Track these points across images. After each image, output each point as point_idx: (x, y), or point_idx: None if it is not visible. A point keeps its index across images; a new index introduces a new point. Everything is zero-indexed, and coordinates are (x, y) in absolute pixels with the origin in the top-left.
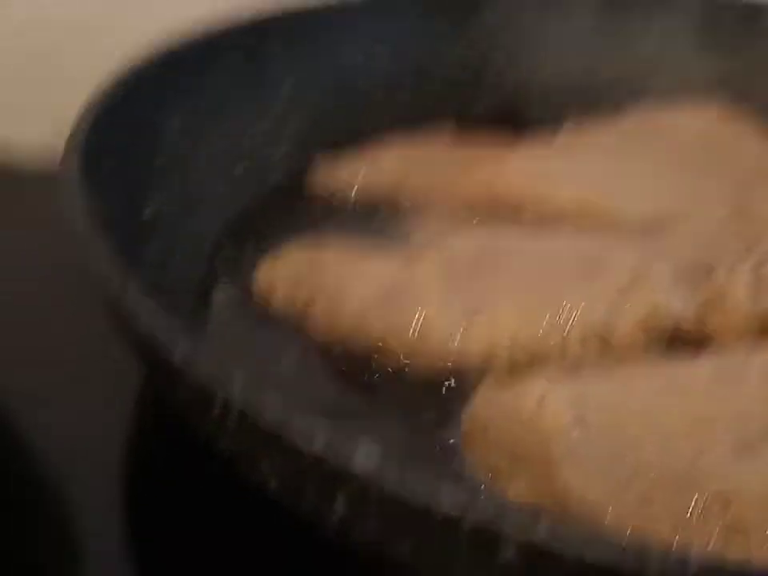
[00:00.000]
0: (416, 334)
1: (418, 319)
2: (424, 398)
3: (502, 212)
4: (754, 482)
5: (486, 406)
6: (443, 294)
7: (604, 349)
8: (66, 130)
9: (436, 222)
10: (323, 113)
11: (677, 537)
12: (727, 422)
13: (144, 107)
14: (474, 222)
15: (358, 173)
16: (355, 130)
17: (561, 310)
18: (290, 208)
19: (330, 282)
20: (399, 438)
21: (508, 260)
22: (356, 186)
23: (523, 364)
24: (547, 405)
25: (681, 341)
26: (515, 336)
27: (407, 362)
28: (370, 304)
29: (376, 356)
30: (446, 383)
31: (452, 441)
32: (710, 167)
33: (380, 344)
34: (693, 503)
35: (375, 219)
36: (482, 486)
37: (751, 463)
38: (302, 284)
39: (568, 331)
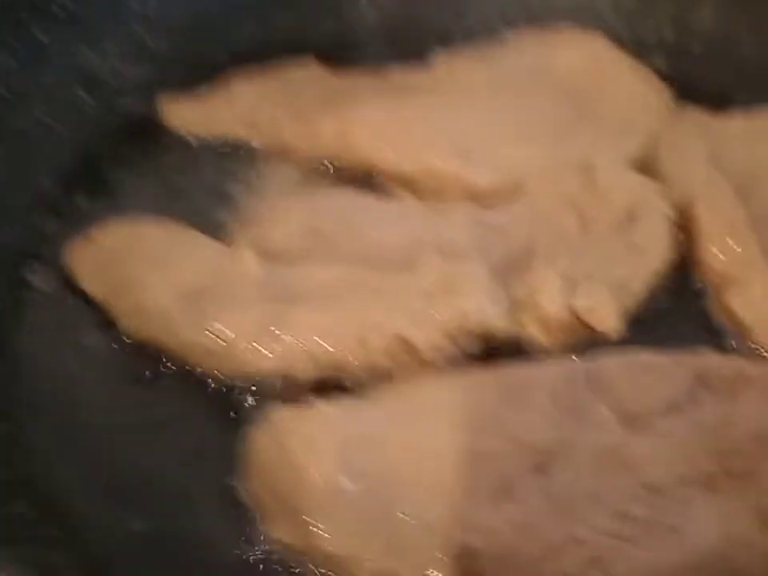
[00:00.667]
0: (215, 342)
1: (217, 328)
2: (216, 407)
3: (350, 170)
4: (500, 536)
5: (264, 439)
6: (248, 300)
7: (412, 358)
8: None
9: (285, 176)
10: (174, 48)
11: None
12: (498, 457)
13: None
14: (323, 182)
15: (209, 111)
16: (206, 66)
17: (363, 321)
18: (138, 149)
19: (136, 273)
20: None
21: (325, 252)
22: (206, 125)
23: (328, 376)
24: (316, 450)
25: (494, 346)
26: (314, 349)
27: (204, 369)
28: (174, 303)
29: (171, 359)
30: (242, 396)
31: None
32: (583, 112)
33: (178, 347)
34: (441, 553)
35: (227, 160)
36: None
37: (505, 511)
38: (108, 273)
39: (370, 343)
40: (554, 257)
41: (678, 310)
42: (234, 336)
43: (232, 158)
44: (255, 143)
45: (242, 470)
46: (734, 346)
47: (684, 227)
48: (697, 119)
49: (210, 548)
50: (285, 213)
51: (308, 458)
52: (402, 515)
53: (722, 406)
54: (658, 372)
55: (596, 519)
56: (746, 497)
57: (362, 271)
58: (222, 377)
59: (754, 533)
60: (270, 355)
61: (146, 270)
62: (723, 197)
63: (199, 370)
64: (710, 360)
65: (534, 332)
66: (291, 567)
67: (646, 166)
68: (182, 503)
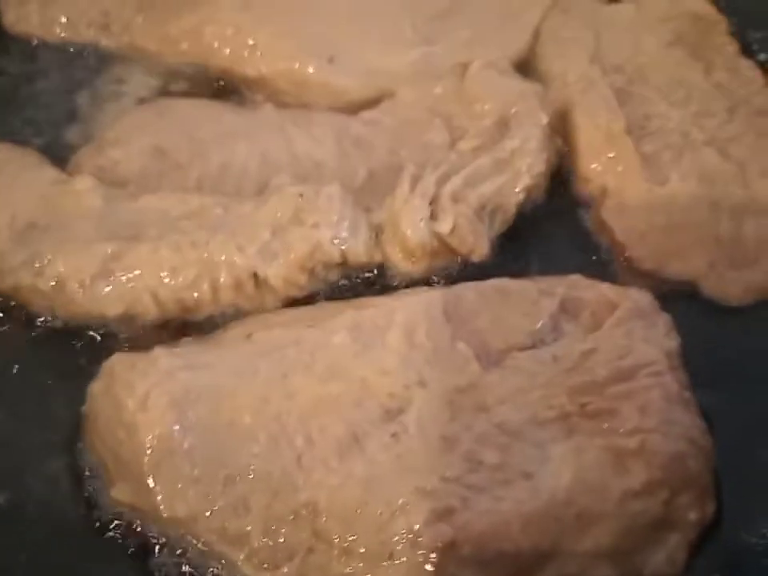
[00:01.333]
0: (52, 283)
1: (51, 268)
2: (61, 355)
3: (207, 76)
4: (344, 491)
5: (101, 395)
6: (86, 236)
7: (264, 295)
8: None
9: (137, 85)
10: None
11: (269, 541)
12: (347, 403)
13: None
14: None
15: (55, 12)
16: None
17: (209, 257)
18: None
19: None
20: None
21: (170, 177)
22: (52, 27)
23: (174, 314)
24: (149, 407)
25: (354, 275)
26: (158, 289)
27: (42, 313)
28: (4, 239)
29: (6, 302)
30: (88, 343)
31: None
32: (461, 5)
33: (10, 289)
34: (286, 510)
35: (74, 67)
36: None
37: (350, 464)
38: None
39: (218, 280)
40: (416, 175)
41: (552, 227)
42: (68, 276)
43: (80, 65)
44: (105, 47)
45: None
46: (609, 267)
47: (561, 132)
48: (584, 7)
49: (56, 513)
50: (129, 130)
51: (139, 413)
52: (241, 469)
53: (583, 336)
54: (521, 302)
55: (446, 467)
56: (601, 437)
57: (209, 199)
58: (63, 322)
59: (608, 476)
60: (109, 297)
61: None
62: (601, 101)
63: (39, 316)
64: (576, 286)
65: (395, 259)
66: (136, 530)
67: (525, 64)
68: (27, 464)
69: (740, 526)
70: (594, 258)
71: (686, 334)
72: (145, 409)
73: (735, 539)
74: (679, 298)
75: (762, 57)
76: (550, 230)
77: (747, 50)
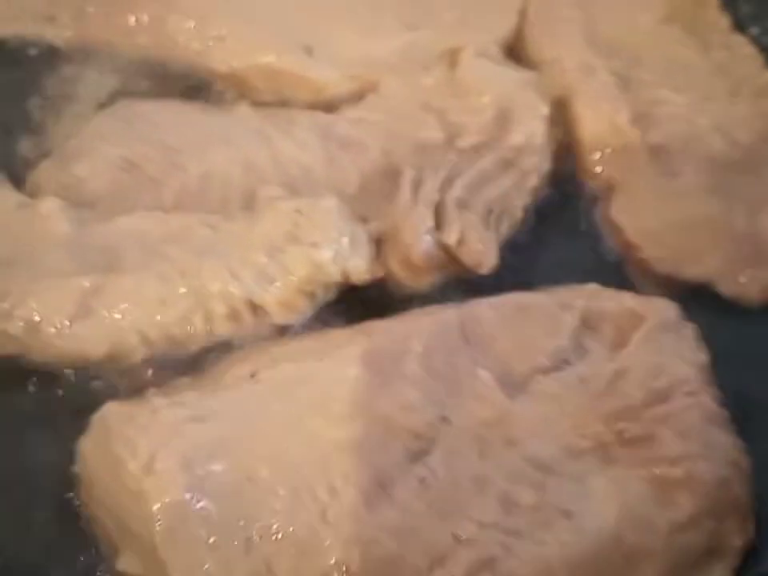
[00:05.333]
0: (23, 325)
1: (21, 309)
2: (48, 405)
3: (174, 73)
4: (377, 546)
5: (96, 453)
6: (57, 268)
7: (261, 323)
8: None
9: (95, 85)
10: None
11: None
12: (369, 446)
13: None
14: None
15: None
16: None
17: (198, 285)
18: None
19: None
20: None
21: (145, 194)
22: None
23: (163, 350)
24: (156, 470)
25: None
26: (146, 320)
27: (18, 357)
28: None
29: None
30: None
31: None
32: None
33: None
34: (314, 573)
35: (24, 67)
36: None
37: (381, 514)
38: None
39: (210, 311)
40: (417, 180)
41: (558, 228)
42: (42, 317)
43: (26, 65)
44: (53, 43)
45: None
46: (622, 269)
47: (562, 123)
48: None
49: None
50: (92, 140)
51: (146, 478)
52: (262, 530)
53: (610, 354)
54: (540, 318)
55: (482, 511)
56: (642, 467)
57: (193, 218)
58: (44, 366)
59: (654, 510)
60: (90, 337)
61: None
62: (602, 89)
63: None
64: (597, 297)
65: (399, 274)
66: None
67: (515, 51)
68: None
69: None
70: (604, 260)
71: (709, 343)
72: (152, 473)
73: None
74: (696, 301)
75: (754, 31)
76: (558, 233)
77: (738, 24)
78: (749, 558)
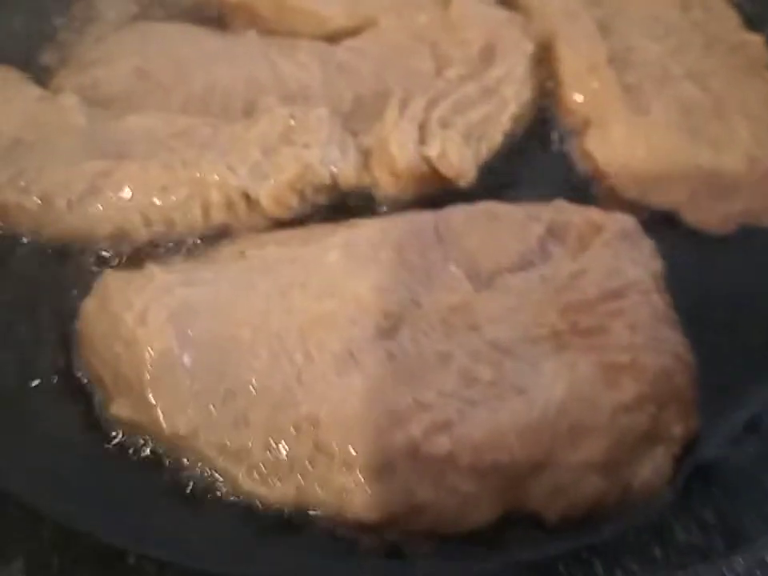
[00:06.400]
0: (38, 201)
1: (37, 186)
2: (53, 274)
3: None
4: (344, 404)
5: (96, 311)
6: (71, 154)
7: (254, 214)
8: None
9: (117, 8)
10: None
11: (269, 455)
12: (343, 321)
13: None
14: (159, 15)
15: None
16: None
17: (197, 176)
18: None
19: None
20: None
21: (154, 97)
22: None
23: (165, 236)
24: (148, 322)
25: (343, 198)
26: (147, 208)
27: (31, 233)
28: None
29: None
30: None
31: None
32: None
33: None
34: (286, 423)
35: None
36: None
37: (349, 378)
38: None
39: (207, 199)
40: (405, 100)
41: (537, 156)
42: (55, 194)
43: None
44: None
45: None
46: (592, 195)
47: (545, 64)
48: None
49: (56, 437)
50: (111, 51)
51: (139, 328)
52: (242, 384)
53: (571, 258)
54: (509, 225)
55: (442, 383)
56: (592, 353)
57: (197, 119)
58: (52, 241)
59: (600, 390)
60: (98, 215)
61: None
62: (584, 32)
63: (26, 236)
64: (563, 210)
65: (384, 182)
66: (141, 450)
67: None
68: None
69: (719, 441)
70: (577, 186)
71: (668, 262)
72: (144, 323)
73: (715, 454)
74: (660, 227)
75: None
76: (534, 159)
77: None
78: (693, 448)
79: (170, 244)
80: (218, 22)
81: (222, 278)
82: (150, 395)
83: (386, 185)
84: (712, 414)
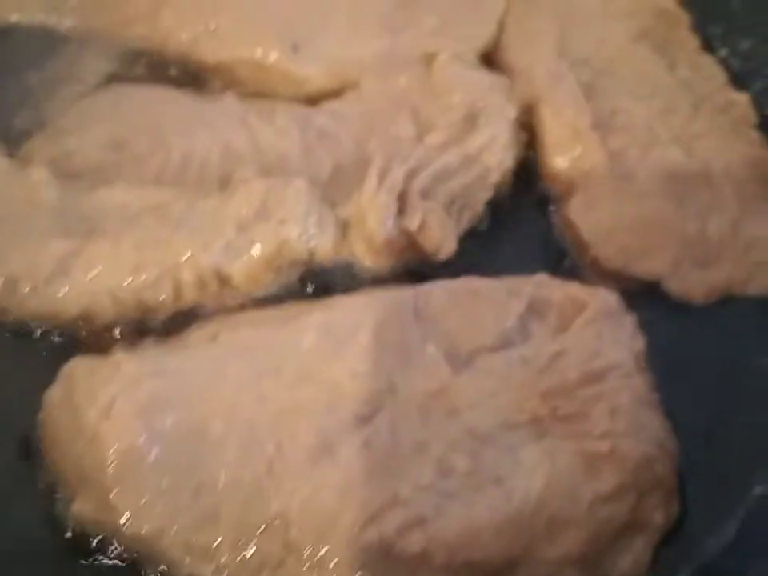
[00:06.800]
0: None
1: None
2: (18, 358)
3: (165, 62)
4: (316, 499)
5: (59, 403)
6: (40, 231)
7: (228, 293)
8: None
9: (94, 69)
10: None
11: (238, 555)
12: (318, 409)
13: None
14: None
15: None
16: None
17: (170, 255)
18: None
19: None
20: None
21: (128, 168)
22: (7, 6)
23: (134, 314)
24: (112, 417)
25: (320, 273)
26: (116, 289)
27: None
28: None
29: None
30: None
31: None
32: None
33: None
34: (256, 520)
35: (29, 49)
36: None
37: (323, 471)
38: None
39: (179, 279)
40: (385, 170)
41: (519, 225)
42: (22, 274)
43: (30, 48)
44: (57, 29)
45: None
46: (575, 266)
47: (528, 128)
48: None
49: (15, 531)
50: (84, 118)
51: (102, 424)
52: (211, 479)
53: (552, 337)
54: (489, 302)
55: (418, 474)
56: (572, 441)
57: (170, 193)
58: (15, 324)
59: (579, 480)
60: (66, 297)
61: None
62: (568, 96)
63: None
64: (544, 286)
65: (362, 256)
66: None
67: (491, 55)
68: None
69: (701, 525)
70: (560, 256)
71: (651, 334)
72: (108, 418)
73: (697, 539)
74: (644, 298)
75: (722, 53)
76: (516, 228)
77: (708, 46)
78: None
79: (140, 325)
80: (196, 82)
81: (192, 366)
82: (114, 495)
83: (364, 258)
84: (693, 497)
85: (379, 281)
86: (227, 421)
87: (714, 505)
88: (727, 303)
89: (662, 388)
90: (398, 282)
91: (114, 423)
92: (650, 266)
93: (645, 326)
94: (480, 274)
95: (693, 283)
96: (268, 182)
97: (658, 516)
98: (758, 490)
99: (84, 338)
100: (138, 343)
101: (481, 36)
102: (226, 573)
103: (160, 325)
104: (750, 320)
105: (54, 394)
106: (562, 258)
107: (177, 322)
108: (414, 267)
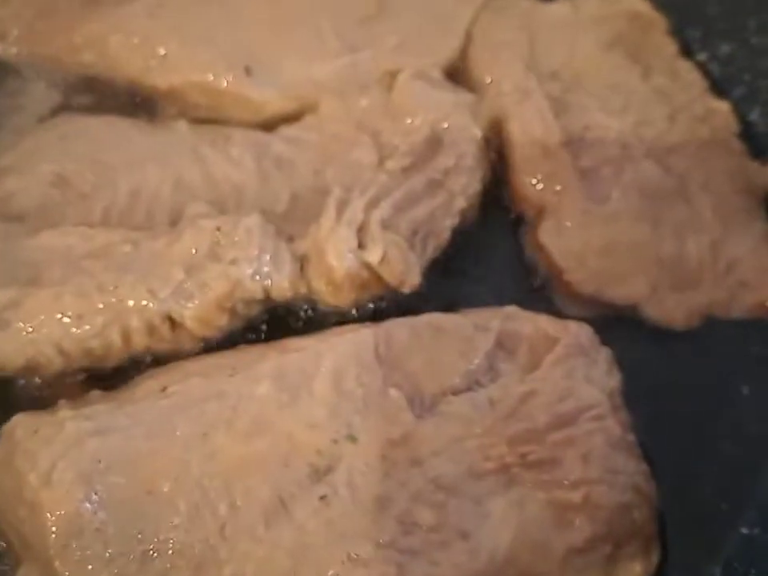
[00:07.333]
0: None
1: None
2: None
3: (115, 88)
4: (271, 563)
5: (1, 464)
6: None
7: (179, 333)
8: None
9: (40, 98)
10: None
11: None
12: (272, 463)
13: None
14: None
15: None
16: None
17: (117, 301)
18: None
19: None
20: None
21: (73, 209)
22: None
23: (81, 363)
24: (53, 483)
25: (277, 311)
26: (62, 334)
27: None
28: None
29: None
30: None
31: None
32: (388, 6)
33: None
34: None
35: None
36: None
37: (278, 532)
38: None
39: (127, 326)
40: (344, 200)
41: (486, 251)
42: None
43: None
44: (8, 57)
45: None
46: (547, 292)
47: (497, 148)
48: (518, 7)
49: None
50: (27, 156)
51: (43, 490)
52: (160, 544)
53: (521, 377)
54: (455, 339)
55: (379, 532)
56: (542, 490)
57: (117, 234)
58: None
59: (551, 533)
60: (7, 349)
61: None
62: (537, 112)
63: None
64: (514, 319)
65: (322, 292)
66: None
67: (458, 70)
68: None
69: (683, 571)
70: (531, 282)
71: (628, 364)
72: (49, 485)
73: None
74: (621, 324)
75: (701, 57)
76: (483, 254)
77: (686, 50)
78: None
79: (87, 374)
80: (148, 109)
81: (139, 422)
82: (57, 564)
83: (324, 294)
84: (674, 542)
85: (341, 316)
86: (176, 481)
87: (697, 548)
88: (709, 327)
89: (640, 425)
90: (361, 316)
91: (54, 489)
92: (625, 290)
93: (622, 355)
94: (448, 303)
95: (671, 308)
96: (217, 221)
97: (637, 566)
98: (743, 530)
99: (31, 389)
100: (85, 395)
101: (446, 49)
102: None
103: (112, 373)
104: (734, 344)
105: None
106: (533, 284)
107: (129, 368)
108: (378, 301)
